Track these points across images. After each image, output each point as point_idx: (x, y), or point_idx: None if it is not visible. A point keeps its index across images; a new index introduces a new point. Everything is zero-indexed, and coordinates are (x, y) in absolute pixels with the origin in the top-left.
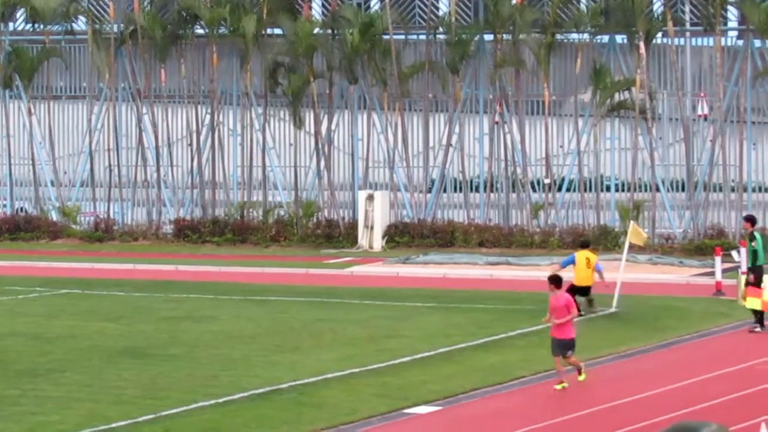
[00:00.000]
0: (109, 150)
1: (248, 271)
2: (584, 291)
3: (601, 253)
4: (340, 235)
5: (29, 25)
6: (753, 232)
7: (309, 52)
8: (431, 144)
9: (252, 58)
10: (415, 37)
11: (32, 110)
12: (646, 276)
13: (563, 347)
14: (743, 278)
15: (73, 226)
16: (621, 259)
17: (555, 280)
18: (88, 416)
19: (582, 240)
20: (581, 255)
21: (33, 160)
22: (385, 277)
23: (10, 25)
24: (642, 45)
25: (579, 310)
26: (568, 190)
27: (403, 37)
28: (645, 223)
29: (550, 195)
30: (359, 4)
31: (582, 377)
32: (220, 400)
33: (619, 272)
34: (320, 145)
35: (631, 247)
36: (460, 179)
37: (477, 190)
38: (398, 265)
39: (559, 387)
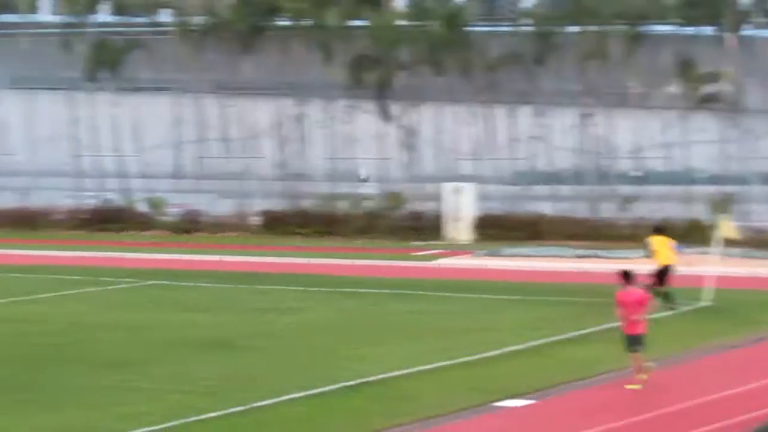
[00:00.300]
0: (195, 142)
1: (336, 263)
2: (669, 270)
3: (690, 247)
4: (427, 228)
5: (115, 17)
6: None
7: (393, 44)
8: (518, 136)
9: (336, 50)
10: (500, 28)
11: (118, 102)
12: (738, 270)
13: (633, 342)
14: None
15: (161, 218)
16: (711, 253)
17: (626, 275)
18: (178, 407)
19: (655, 226)
20: (656, 240)
21: (119, 152)
22: (473, 270)
23: (96, 17)
24: (730, 36)
25: (672, 299)
26: (657, 182)
27: (487, 28)
28: (736, 217)
29: (638, 188)
30: None
31: (634, 386)
32: (311, 392)
33: (712, 266)
34: (406, 137)
35: (723, 240)
36: (547, 171)
37: (565, 182)
38: (486, 257)
39: (631, 387)
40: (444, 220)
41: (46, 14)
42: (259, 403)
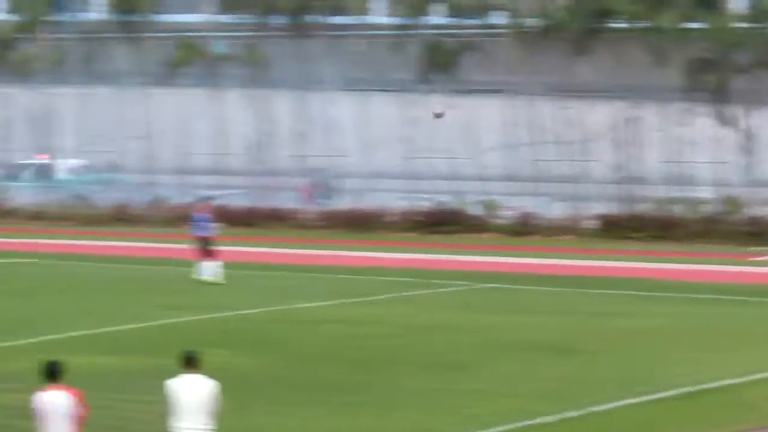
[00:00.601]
0: (529, 144)
1: (670, 268)
2: None
3: None
4: (766, 233)
5: (447, 19)
6: None
7: (731, 46)
8: None
9: (672, 53)
10: None
11: (451, 104)
12: None
13: None
14: None
15: (495, 221)
16: None
17: None
18: (512, 410)
19: None
20: None
21: (452, 154)
22: None
23: (429, 19)
24: None
25: None
26: None
27: None
28: None
29: None
30: None
31: None
32: (649, 398)
33: None
34: (745, 141)
35: None
36: None
37: None
38: None
39: None
40: None
41: (378, 16)
42: (595, 408)
